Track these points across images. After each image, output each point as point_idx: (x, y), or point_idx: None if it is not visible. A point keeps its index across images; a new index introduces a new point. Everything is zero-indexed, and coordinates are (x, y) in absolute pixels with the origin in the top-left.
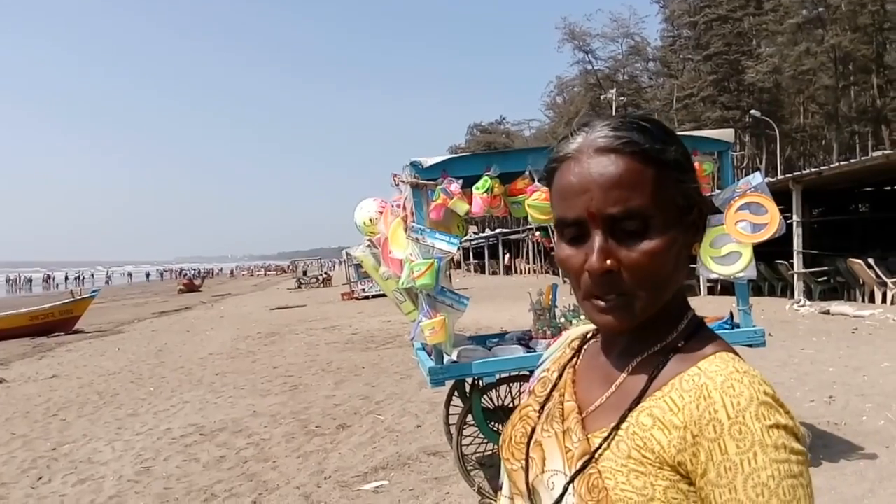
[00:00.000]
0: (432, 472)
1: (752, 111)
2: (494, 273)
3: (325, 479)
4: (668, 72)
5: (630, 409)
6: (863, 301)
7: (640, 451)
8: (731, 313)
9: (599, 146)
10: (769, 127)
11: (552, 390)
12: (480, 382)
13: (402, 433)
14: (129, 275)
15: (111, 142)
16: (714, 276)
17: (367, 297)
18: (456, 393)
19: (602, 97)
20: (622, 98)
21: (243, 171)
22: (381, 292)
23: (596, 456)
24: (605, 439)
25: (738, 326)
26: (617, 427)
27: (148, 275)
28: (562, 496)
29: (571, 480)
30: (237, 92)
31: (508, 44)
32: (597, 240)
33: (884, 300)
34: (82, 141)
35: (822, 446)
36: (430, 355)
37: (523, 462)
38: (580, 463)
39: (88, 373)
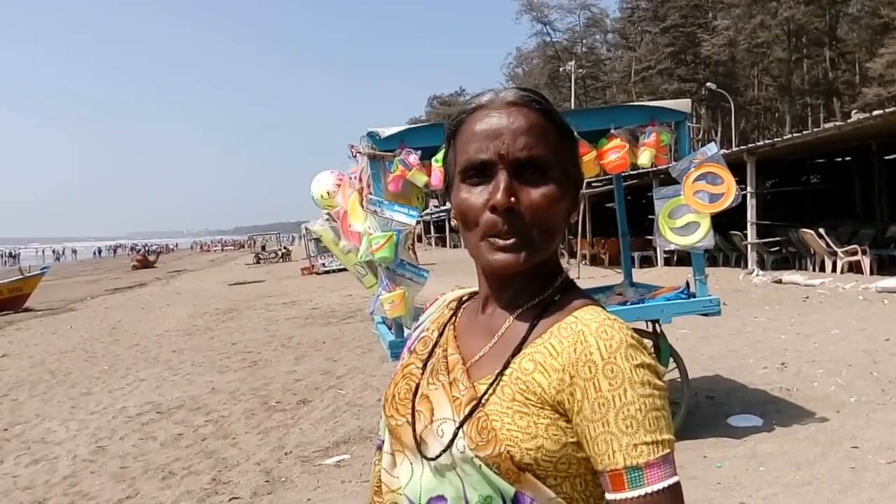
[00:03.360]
0: None
1: (708, 84)
2: (455, 246)
3: (286, 454)
4: (626, 44)
5: (513, 356)
6: (814, 270)
7: (523, 394)
8: (688, 283)
9: (510, 100)
10: (724, 99)
11: (434, 347)
12: None
13: (363, 407)
14: (74, 252)
15: (57, 116)
16: (672, 246)
17: (327, 272)
18: None
19: (561, 69)
20: (581, 70)
21: (198, 144)
22: (342, 267)
23: (483, 400)
24: (491, 384)
25: (694, 296)
26: (501, 373)
27: (99, 251)
28: (452, 441)
29: (461, 425)
30: (192, 63)
31: (468, 14)
32: (503, 179)
33: (834, 269)
34: (26, 116)
35: (774, 411)
36: (390, 329)
37: (409, 416)
38: (468, 408)
39: (40, 351)
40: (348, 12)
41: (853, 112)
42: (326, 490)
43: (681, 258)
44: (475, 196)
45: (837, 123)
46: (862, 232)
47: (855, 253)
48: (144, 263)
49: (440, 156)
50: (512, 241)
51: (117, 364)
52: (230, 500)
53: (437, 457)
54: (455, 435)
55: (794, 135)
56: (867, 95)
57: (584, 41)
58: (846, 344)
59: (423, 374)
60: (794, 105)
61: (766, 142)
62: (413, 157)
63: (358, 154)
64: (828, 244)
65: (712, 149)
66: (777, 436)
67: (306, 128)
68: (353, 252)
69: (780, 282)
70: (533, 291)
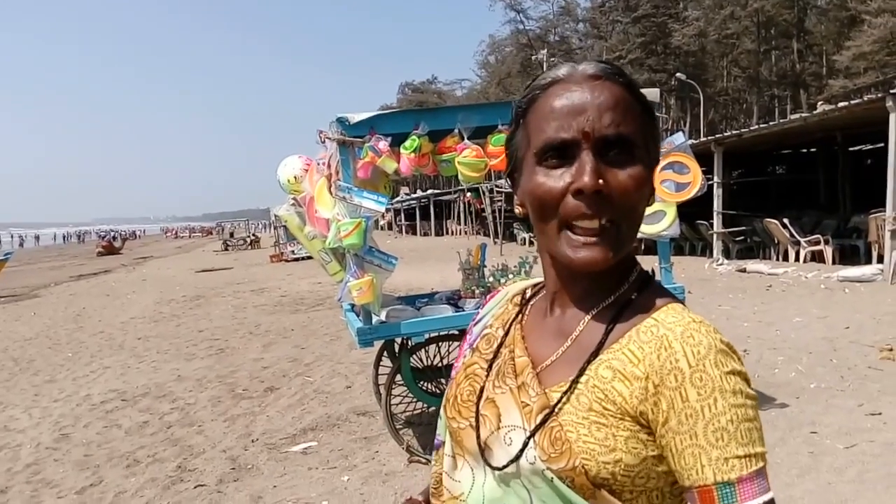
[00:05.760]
0: (361, 431)
1: (678, 74)
2: (426, 234)
3: (253, 441)
4: (597, 33)
5: (588, 362)
6: (777, 259)
7: (601, 403)
8: (653, 271)
9: (592, 73)
10: (694, 90)
11: (499, 347)
12: (409, 342)
13: (331, 394)
14: (37, 237)
15: (20, 101)
16: (639, 235)
17: (296, 259)
18: (385, 353)
19: (533, 58)
20: (553, 59)
21: (166, 130)
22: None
23: (556, 409)
24: (565, 393)
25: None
26: (576, 380)
27: (65, 237)
28: (521, 451)
29: (532, 435)
30: (159, 49)
31: (441, 1)
32: (589, 160)
33: (797, 258)
34: None
35: None
36: (358, 316)
37: (472, 420)
38: (540, 417)
39: (2, 338)
40: None
41: (819, 104)
42: (293, 477)
43: (647, 246)
44: (554, 180)
45: (803, 115)
46: (825, 222)
47: (818, 243)
48: (110, 250)
49: (409, 143)
50: (596, 233)
51: (81, 351)
52: (195, 487)
53: (504, 467)
54: (525, 445)
55: (761, 125)
56: (833, 87)
57: (557, 30)
58: (807, 332)
59: (487, 375)
60: (762, 96)
61: (734, 132)
62: (383, 144)
63: (327, 140)
64: (791, 234)
65: (679, 138)
66: None
67: (276, 114)
68: (317, 238)
69: (744, 271)
70: (607, 287)
